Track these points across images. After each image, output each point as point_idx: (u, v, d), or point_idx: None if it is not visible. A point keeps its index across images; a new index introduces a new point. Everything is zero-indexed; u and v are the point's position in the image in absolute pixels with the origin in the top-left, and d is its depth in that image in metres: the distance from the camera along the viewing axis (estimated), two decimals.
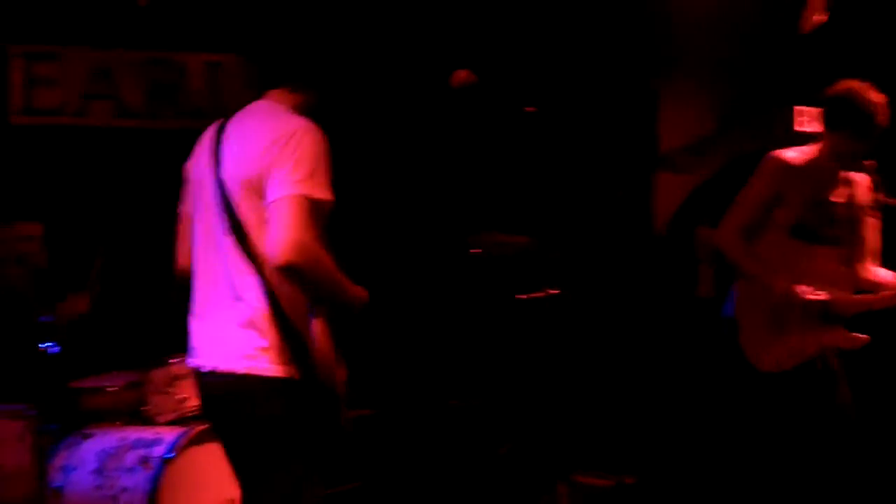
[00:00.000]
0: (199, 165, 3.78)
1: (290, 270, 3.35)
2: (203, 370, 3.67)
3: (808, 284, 4.66)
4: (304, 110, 3.71)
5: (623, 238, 6.46)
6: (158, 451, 5.14)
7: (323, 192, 3.46)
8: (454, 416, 6.30)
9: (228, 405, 3.62)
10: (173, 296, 5.35)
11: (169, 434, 5.23)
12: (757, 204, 4.76)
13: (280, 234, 3.35)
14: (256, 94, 3.80)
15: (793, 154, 4.76)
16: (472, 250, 5.62)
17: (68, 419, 5.49)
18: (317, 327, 3.56)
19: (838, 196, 4.78)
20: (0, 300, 5.69)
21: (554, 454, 5.94)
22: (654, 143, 6.61)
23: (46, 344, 5.48)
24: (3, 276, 5.75)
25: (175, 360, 5.52)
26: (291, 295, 3.50)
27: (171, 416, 5.50)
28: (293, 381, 3.51)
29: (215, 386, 3.64)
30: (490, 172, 6.70)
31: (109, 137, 6.81)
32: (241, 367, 3.53)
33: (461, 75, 4.53)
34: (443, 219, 6.74)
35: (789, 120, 6.47)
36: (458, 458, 6.18)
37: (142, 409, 5.58)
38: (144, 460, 5.13)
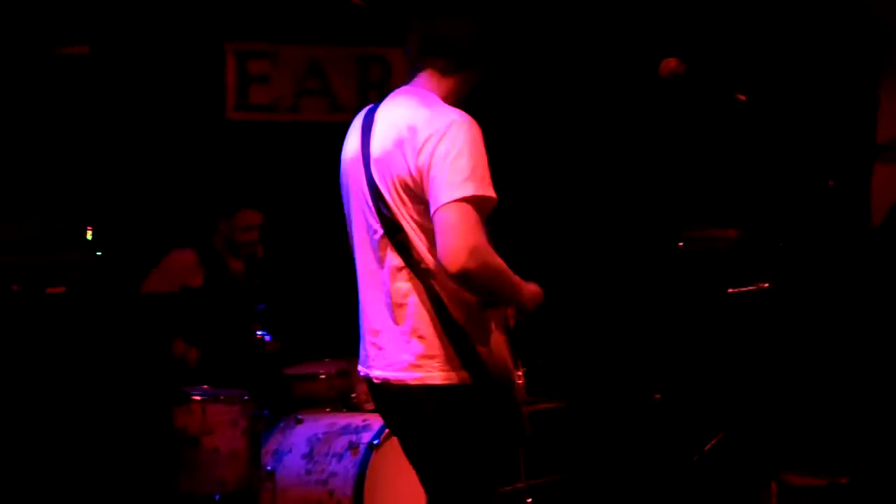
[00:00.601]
0: (350, 160, 3.56)
1: (464, 277, 3.19)
2: (374, 381, 3.53)
3: None
4: (457, 98, 3.51)
5: (838, 231, 6.25)
6: (366, 437, 5.23)
7: (486, 191, 3.23)
8: (661, 411, 6.20)
9: (402, 414, 3.51)
10: None
11: (376, 421, 5.30)
12: None
13: (451, 242, 3.17)
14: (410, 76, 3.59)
15: None
16: (679, 244, 5.52)
17: (280, 405, 5.64)
18: (489, 330, 3.39)
19: None
20: (221, 288, 5.86)
21: (764, 452, 5.79)
22: (871, 134, 6.37)
23: (260, 332, 5.64)
24: (225, 266, 5.93)
25: None
26: (457, 299, 3.33)
27: None
28: (465, 386, 3.36)
29: (387, 395, 3.51)
30: (700, 163, 6.58)
31: (322, 132, 6.94)
32: (409, 377, 3.39)
33: (670, 64, 4.39)
34: (651, 212, 6.66)
35: None
36: (665, 454, 6.09)
37: (350, 395, 5.68)
38: (353, 446, 5.22)
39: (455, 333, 3.32)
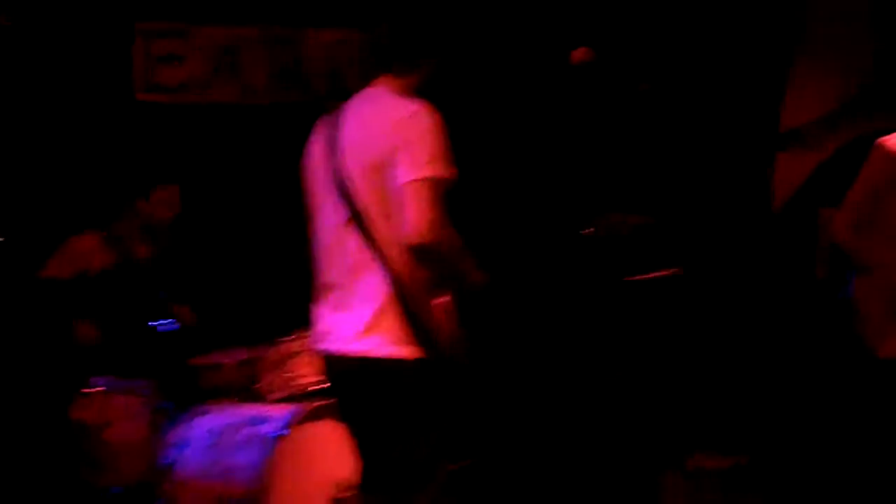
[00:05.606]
0: (316, 154, 3.88)
1: (425, 250, 3.50)
2: (329, 354, 3.79)
3: None
4: (412, 93, 3.79)
5: (740, 217, 6.33)
6: (270, 428, 5.18)
7: (448, 171, 3.59)
8: (572, 398, 6.26)
9: (355, 387, 3.74)
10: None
11: (280, 412, 5.28)
12: (868, 194, 4.55)
13: (416, 216, 3.48)
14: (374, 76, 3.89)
15: None
16: (584, 230, 5.56)
17: (183, 396, 5.60)
18: (441, 307, 3.68)
19: None
20: (122, 276, 5.80)
21: (667, 436, 5.87)
22: (775, 121, 6.43)
23: (164, 321, 5.59)
24: (127, 252, 5.85)
25: (287, 339, 5.57)
26: (413, 277, 3.61)
27: (282, 394, 5.54)
28: (418, 360, 3.62)
29: (341, 369, 3.77)
30: (607, 151, 6.61)
31: (233, 114, 6.89)
32: (361, 349, 3.65)
33: (579, 53, 4.47)
34: (558, 198, 6.68)
35: None
36: (569, 440, 6.14)
37: (254, 386, 5.66)
38: (256, 437, 5.20)
39: (408, 310, 3.60)
